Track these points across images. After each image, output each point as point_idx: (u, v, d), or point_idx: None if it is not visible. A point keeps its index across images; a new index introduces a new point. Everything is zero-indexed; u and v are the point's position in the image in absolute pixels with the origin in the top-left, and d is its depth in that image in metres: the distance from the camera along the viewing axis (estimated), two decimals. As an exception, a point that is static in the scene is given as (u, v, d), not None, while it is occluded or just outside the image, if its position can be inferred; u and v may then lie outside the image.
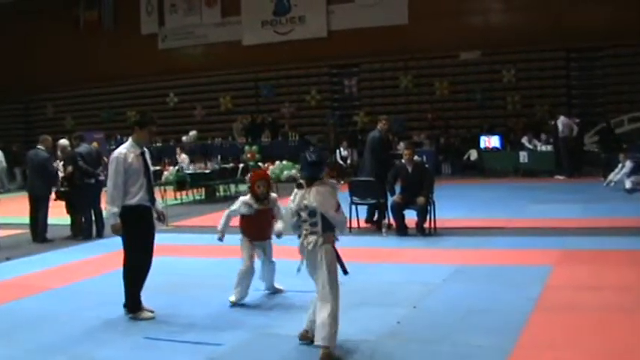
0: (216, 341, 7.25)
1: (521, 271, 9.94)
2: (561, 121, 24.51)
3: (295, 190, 7.00)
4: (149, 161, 8.52)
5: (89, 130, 29.88)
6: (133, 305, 8.32)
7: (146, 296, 9.34)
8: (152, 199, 8.50)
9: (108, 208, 8.20)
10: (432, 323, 7.68)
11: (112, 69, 35.31)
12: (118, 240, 14.16)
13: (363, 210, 14.59)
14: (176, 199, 21.77)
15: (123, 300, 8.42)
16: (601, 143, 25.50)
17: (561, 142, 24.45)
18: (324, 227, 6.76)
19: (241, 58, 33.38)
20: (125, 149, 8.21)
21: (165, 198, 18.18)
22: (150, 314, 8.27)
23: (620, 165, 19.52)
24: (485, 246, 12.06)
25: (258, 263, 9.06)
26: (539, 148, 25.61)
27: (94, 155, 15.69)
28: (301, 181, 6.98)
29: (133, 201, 8.17)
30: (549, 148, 25.30)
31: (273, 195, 9.06)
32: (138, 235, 8.36)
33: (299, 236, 6.93)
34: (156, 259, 11.99)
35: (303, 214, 6.82)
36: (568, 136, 24.38)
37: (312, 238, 6.78)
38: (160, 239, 14.16)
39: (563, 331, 7.20)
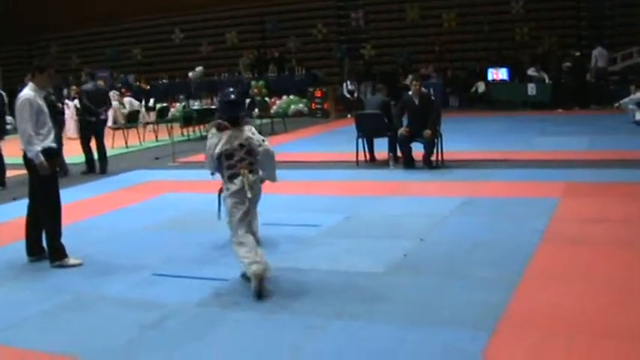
0: (223, 276, 7.27)
1: (527, 203, 9.92)
2: (599, 52, 24.54)
3: (213, 131, 6.97)
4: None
5: (95, 68, 29.84)
6: (59, 253, 8.07)
7: (153, 233, 9.41)
8: (59, 144, 8.38)
9: (28, 148, 7.88)
10: (439, 256, 7.68)
11: (117, 6, 34.94)
12: (123, 177, 14.36)
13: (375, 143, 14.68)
14: (183, 135, 21.75)
15: (47, 246, 8.22)
16: None
17: (597, 72, 24.77)
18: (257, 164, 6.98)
19: (247, -8, 33.01)
20: (33, 92, 8.01)
21: (172, 135, 18.17)
22: (76, 260, 8.07)
23: (632, 94, 19.36)
24: (492, 178, 12.02)
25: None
26: (547, 80, 25.38)
27: (99, 93, 15.84)
28: (224, 122, 6.91)
29: (45, 144, 7.98)
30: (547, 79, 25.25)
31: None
32: (53, 177, 8.16)
33: (229, 177, 6.87)
34: (163, 196, 12.12)
35: (239, 154, 6.82)
36: (604, 67, 24.52)
37: (253, 176, 6.88)
38: (167, 175, 14.38)
39: (570, 263, 7.19)
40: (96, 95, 15.61)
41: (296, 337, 5.64)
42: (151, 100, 27.03)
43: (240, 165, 6.82)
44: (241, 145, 6.84)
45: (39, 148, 7.85)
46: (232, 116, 6.94)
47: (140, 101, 27.37)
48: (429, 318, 5.86)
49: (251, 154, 6.90)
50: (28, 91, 8.04)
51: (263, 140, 6.99)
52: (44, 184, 8.06)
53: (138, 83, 32.91)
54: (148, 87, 31.67)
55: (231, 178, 6.84)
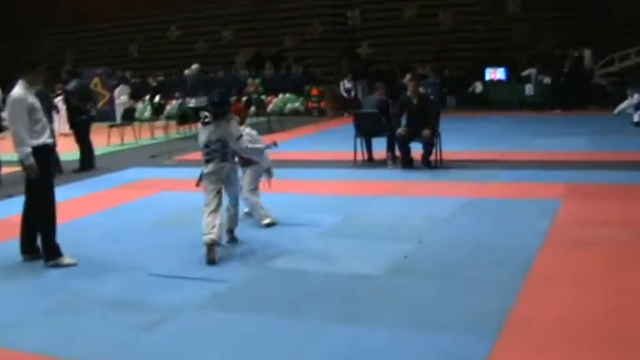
0: (220, 277, 7.17)
1: (529, 205, 9.81)
2: (586, 53, 24.83)
3: (200, 125, 8.18)
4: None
5: (90, 66, 29.72)
6: (53, 252, 7.92)
7: (149, 231, 9.29)
8: (53, 140, 8.28)
9: (19, 150, 7.68)
10: (440, 258, 7.58)
11: (113, 3, 34.79)
12: (119, 175, 14.25)
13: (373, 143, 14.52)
14: (179, 132, 21.59)
15: (41, 245, 8.07)
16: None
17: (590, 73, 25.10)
18: (232, 155, 8.20)
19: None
20: (23, 89, 7.73)
21: (168, 132, 18.04)
22: (71, 260, 7.92)
23: (628, 98, 19.27)
24: (492, 179, 11.91)
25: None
26: (544, 81, 25.28)
27: (83, 90, 15.78)
28: (207, 118, 8.07)
29: (40, 141, 7.78)
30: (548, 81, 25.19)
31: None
32: (48, 174, 8.02)
33: (205, 161, 8.06)
34: (159, 194, 12.00)
35: (214, 146, 7.98)
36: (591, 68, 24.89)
37: (225, 165, 8.06)
38: (163, 174, 14.25)
39: (573, 266, 7.09)
40: (80, 93, 15.52)
41: (295, 340, 5.53)
42: (157, 97, 26.77)
43: (212, 155, 7.99)
44: (217, 139, 7.97)
45: (29, 149, 7.64)
46: (217, 113, 8.02)
47: (142, 98, 27.35)
48: (431, 322, 5.76)
49: (226, 146, 8.01)
50: (18, 90, 7.80)
51: (240, 136, 8.19)
52: (38, 182, 7.88)
53: (135, 80, 32.61)
54: (155, 84, 30.93)
55: (206, 162, 8.04)
